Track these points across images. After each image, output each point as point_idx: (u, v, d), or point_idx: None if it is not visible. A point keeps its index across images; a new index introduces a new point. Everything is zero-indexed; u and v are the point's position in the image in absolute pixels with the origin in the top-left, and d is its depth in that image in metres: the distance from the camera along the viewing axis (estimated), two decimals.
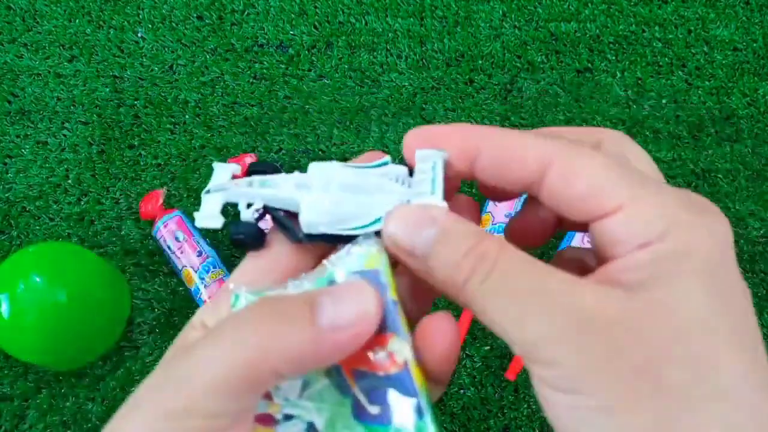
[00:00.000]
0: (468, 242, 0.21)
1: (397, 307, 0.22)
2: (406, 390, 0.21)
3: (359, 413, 0.22)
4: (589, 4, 0.82)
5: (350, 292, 0.22)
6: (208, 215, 0.25)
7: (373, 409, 0.22)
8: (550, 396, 0.20)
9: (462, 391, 0.64)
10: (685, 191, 0.21)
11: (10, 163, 0.72)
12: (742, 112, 0.77)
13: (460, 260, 0.21)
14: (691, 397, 0.19)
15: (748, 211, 0.74)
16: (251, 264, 0.25)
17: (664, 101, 0.77)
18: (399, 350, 0.22)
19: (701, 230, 0.20)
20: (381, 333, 0.22)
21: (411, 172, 0.25)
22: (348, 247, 0.23)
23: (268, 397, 0.22)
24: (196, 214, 0.26)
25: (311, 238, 0.24)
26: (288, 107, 0.76)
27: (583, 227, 0.22)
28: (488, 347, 0.66)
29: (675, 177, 0.75)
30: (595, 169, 0.21)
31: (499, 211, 0.70)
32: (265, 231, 0.26)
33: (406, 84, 0.77)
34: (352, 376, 0.22)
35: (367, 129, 0.75)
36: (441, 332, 0.23)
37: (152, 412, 0.20)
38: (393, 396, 0.22)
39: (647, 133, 0.76)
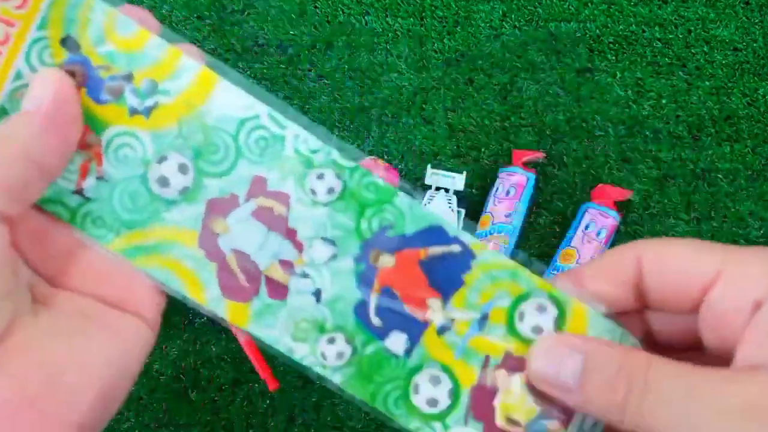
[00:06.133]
0: (615, 362, 0.21)
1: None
2: (411, 330, 0.23)
3: (359, 312, 0.23)
4: (589, 4, 0.82)
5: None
6: None
7: (375, 321, 0.23)
8: None
9: None
10: None
11: None
12: (742, 112, 0.77)
13: (614, 382, 0.20)
14: None
15: (748, 211, 0.74)
16: None
17: (664, 101, 0.77)
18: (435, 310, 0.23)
19: None
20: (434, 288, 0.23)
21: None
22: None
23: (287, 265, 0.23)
24: None
25: None
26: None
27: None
28: None
29: (675, 177, 0.75)
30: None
31: (500, 212, 0.70)
32: None
33: (406, 84, 0.77)
34: (379, 289, 0.23)
35: (367, 129, 0.75)
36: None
37: None
38: (398, 327, 0.23)
39: (647, 133, 0.76)
